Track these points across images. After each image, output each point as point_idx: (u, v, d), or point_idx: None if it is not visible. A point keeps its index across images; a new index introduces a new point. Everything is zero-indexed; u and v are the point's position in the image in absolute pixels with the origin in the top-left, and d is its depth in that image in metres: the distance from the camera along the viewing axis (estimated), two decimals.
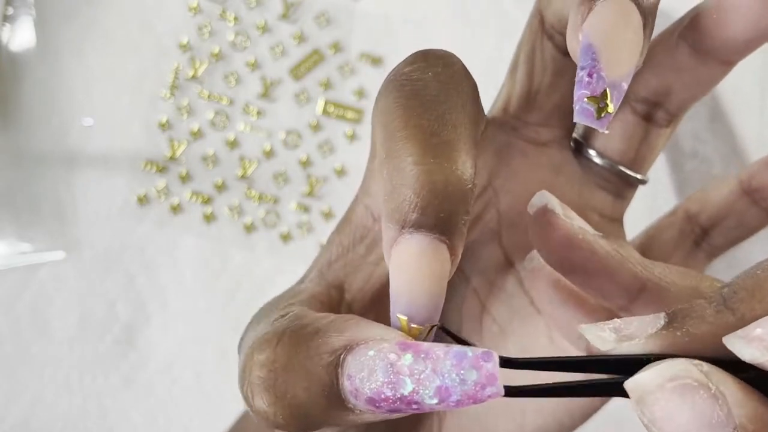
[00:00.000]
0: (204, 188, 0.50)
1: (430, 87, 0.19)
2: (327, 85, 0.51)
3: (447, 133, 0.18)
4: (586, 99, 0.18)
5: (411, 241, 0.18)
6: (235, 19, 0.50)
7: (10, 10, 0.47)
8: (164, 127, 0.50)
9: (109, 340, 0.48)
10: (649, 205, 0.43)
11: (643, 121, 0.24)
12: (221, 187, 0.50)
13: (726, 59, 0.22)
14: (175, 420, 0.49)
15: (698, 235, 0.28)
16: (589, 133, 0.25)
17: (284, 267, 0.50)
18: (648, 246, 0.28)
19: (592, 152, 0.25)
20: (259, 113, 0.51)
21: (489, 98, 0.25)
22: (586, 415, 0.27)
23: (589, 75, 0.18)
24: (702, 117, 0.52)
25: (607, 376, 0.18)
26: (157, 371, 0.49)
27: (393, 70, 0.20)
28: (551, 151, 0.25)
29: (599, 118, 0.18)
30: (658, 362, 0.17)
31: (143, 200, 0.49)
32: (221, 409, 0.50)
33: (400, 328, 0.18)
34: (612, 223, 0.26)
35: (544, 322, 0.26)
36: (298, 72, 0.51)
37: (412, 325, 0.18)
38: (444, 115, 0.19)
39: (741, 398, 0.16)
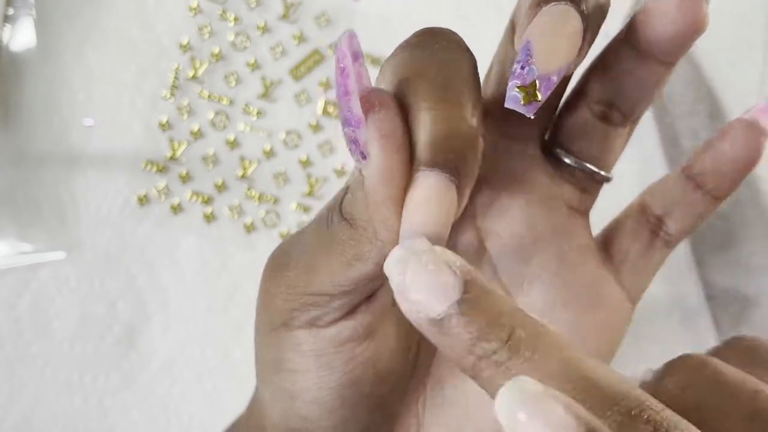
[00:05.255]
0: (204, 188, 0.50)
1: (438, 53, 0.22)
2: (327, 85, 0.51)
3: (454, 91, 0.21)
4: (516, 88, 0.21)
5: (425, 178, 0.20)
6: (236, 19, 0.50)
7: (11, 11, 0.47)
8: (164, 127, 0.50)
9: (110, 339, 0.48)
10: None
11: (600, 121, 0.27)
12: (221, 187, 0.50)
13: (662, 59, 0.24)
14: (175, 420, 0.49)
15: (654, 224, 0.29)
16: (555, 132, 0.28)
17: None
18: (609, 239, 0.29)
19: (558, 150, 0.27)
20: (259, 113, 0.51)
21: None
22: None
23: (522, 67, 0.21)
24: (702, 116, 0.52)
25: None
26: (158, 371, 0.49)
27: (403, 41, 0.23)
28: (522, 146, 0.27)
29: (526, 104, 0.21)
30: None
31: (143, 200, 0.49)
32: (221, 409, 0.50)
33: None
34: (579, 215, 0.28)
35: None
36: (298, 72, 0.51)
37: None
38: (450, 78, 0.21)
39: None
